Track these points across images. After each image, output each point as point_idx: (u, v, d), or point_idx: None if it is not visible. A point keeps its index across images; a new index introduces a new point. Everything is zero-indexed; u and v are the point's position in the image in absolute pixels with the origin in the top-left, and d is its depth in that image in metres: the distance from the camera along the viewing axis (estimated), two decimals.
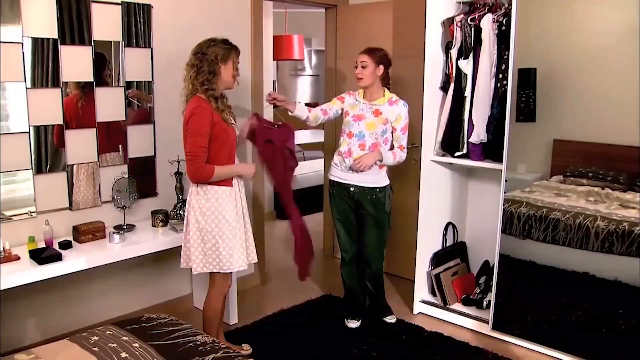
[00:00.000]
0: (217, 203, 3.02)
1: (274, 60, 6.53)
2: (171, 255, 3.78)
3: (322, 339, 3.65)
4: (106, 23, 3.40)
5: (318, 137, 8.33)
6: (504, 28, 3.48)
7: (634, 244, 3.37)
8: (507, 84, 3.46)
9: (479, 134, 3.62)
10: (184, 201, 3.75)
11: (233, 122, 3.10)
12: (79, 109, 3.35)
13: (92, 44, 3.34)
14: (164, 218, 3.62)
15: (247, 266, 3.19)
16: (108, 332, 2.53)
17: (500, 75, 3.53)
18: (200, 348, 2.40)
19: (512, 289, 3.74)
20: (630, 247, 3.39)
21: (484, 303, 3.89)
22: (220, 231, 3.03)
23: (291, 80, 11.64)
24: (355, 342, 3.59)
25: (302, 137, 9.46)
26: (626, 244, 3.40)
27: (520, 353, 3.50)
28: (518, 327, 3.64)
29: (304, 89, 11.84)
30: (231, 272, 3.18)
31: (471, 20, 3.62)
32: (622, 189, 3.56)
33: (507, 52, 3.43)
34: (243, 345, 3.46)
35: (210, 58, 2.95)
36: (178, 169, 3.71)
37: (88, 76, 3.36)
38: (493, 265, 3.66)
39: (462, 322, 3.86)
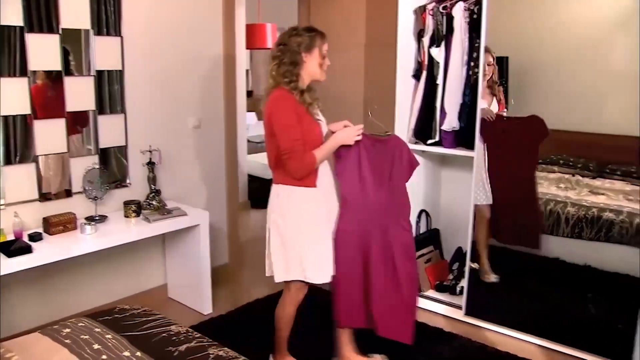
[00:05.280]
0: (299, 205, 2.76)
1: (247, 49, 6.47)
2: (144, 246, 3.75)
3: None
4: (74, 11, 3.33)
5: None
6: (475, 16, 3.50)
7: (602, 229, 3.44)
8: (478, 72, 3.49)
9: (451, 122, 3.64)
10: (157, 191, 3.72)
11: (319, 117, 2.81)
12: (48, 98, 3.29)
13: (60, 32, 3.28)
14: (136, 208, 3.58)
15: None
16: (80, 324, 2.50)
17: (472, 64, 3.55)
18: (174, 338, 2.39)
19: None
20: (599, 232, 3.46)
21: (457, 289, 3.94)
22: (303, 235, 2.77)
23: (265, 69, 11.57)
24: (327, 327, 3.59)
25: None
26: (595, 229, 3.47)
27: (493, 338, 3.55)
28: (491, 312, 3.69)
29: None
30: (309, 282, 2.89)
31: (443, 8, 3.63)
32: (591, 176, 3.63)
33: (478, 41, 3.45)
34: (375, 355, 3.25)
35: (293, 48, 2.69)
36: (150, 159, 3.67)
37: (56, 65, 3.30)
38: (466, 252, 3.70)
39: (435, 309, 3.89)
